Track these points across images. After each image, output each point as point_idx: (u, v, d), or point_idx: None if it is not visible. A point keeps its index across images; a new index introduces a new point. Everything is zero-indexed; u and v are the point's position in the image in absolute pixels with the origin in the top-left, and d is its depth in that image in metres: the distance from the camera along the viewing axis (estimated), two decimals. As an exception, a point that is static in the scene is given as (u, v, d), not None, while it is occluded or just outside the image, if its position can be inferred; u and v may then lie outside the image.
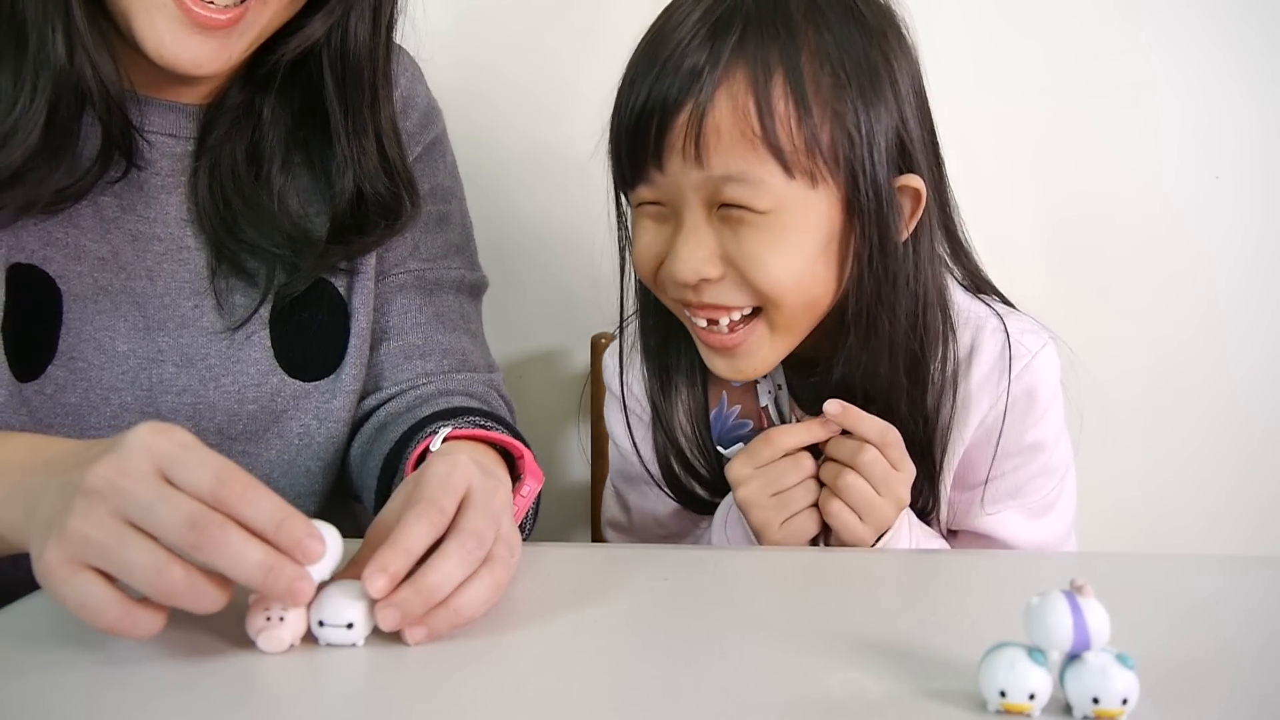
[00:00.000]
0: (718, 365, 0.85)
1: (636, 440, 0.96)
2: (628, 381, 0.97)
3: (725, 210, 0.78)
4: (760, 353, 0.83)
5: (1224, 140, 1.31)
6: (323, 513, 0.94)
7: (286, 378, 0.89)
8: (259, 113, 0.89)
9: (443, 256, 0.99)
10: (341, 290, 0.92)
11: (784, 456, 0.82)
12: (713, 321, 0.82)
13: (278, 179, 0.89)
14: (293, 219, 0.89)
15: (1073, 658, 0.52)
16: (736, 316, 0.82)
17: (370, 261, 0.93)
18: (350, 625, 0.59)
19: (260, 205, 0.88)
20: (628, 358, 0.98)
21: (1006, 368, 0.87)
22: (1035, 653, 0.52)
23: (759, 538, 0.84)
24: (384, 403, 0.95)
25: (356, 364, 0.92)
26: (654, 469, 0.95)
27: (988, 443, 0.88)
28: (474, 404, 0.93)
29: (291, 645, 0.59)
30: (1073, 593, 0.52)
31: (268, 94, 0.89)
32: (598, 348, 1.29)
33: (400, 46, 0.97)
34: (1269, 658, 0.61)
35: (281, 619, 0.59)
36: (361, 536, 1.00)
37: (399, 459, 0.85)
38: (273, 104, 0.89)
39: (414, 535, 0.61)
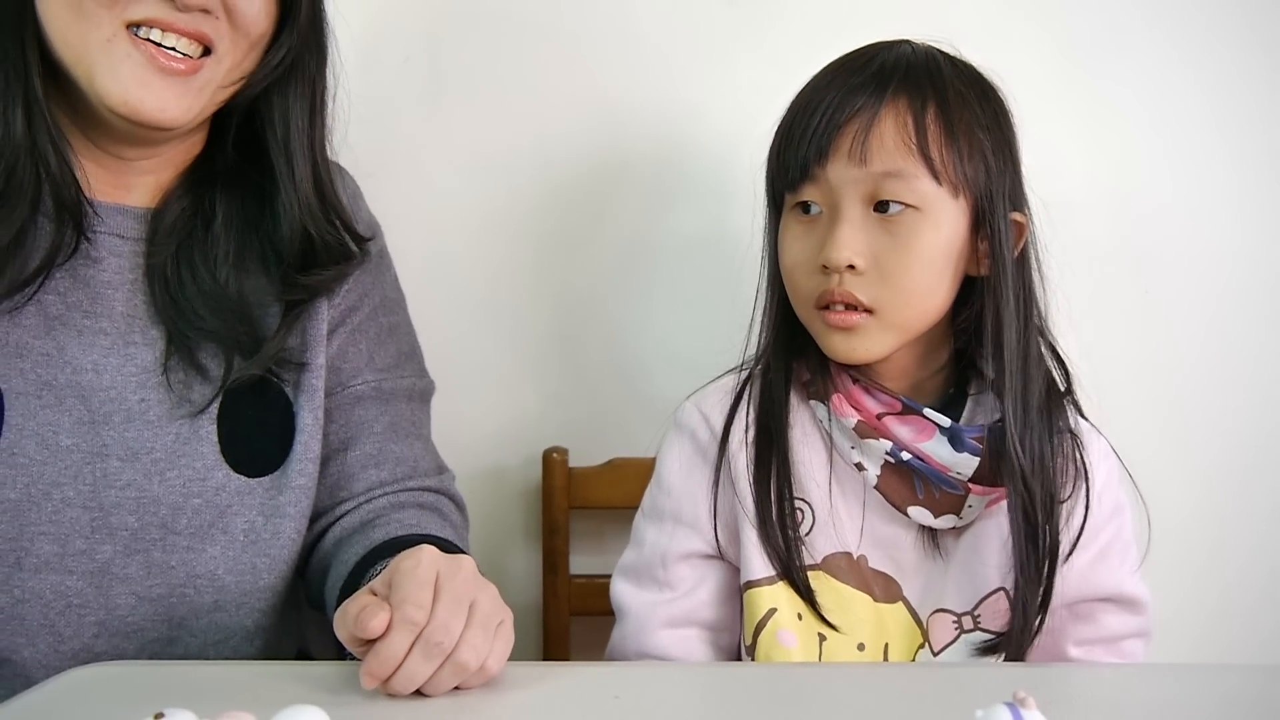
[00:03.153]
0: (836, 345, 0.94)
1: (698, 478, 1.00)
2: (709, 413, 1.01)
3: (879, 213, 0.91)
4: (873, 337, 0.93)
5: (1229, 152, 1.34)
6: (276, 612, 0.94)
7: (232, 473, 0.90)
8: (211, 209, 0.93)
9: (395, 366, 1.03)
10: (288, 391, 0.94)
11: None
12: (847, 308, 0.93)
13: (233, 272, 0.92)
14: (248, 306, 0.93)
15: (1017, 768, 0.52)
16: (857, 314, 0.93)
17: (319, 360, 0.95)
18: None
19: (219, 293, 0.91)
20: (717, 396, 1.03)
21: (1098, 433, 1.01)
22: (981, 764, 0.52)
23: None
24: (340, 518, 0.97)
25: (303, 459, 0.93)
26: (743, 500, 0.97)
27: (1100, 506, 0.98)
28: (422, 521, 0.95)
29: None
30: (1015, 704, 0.53)
31: (215, 189, 0.93)
32: (549, 463, 1.30)
33: (341, 167, 1.03)
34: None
35: None
36: (309, 653, 0.98)
37: (353, 590, 0.85)
38: (223, 200, 0.93)
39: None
